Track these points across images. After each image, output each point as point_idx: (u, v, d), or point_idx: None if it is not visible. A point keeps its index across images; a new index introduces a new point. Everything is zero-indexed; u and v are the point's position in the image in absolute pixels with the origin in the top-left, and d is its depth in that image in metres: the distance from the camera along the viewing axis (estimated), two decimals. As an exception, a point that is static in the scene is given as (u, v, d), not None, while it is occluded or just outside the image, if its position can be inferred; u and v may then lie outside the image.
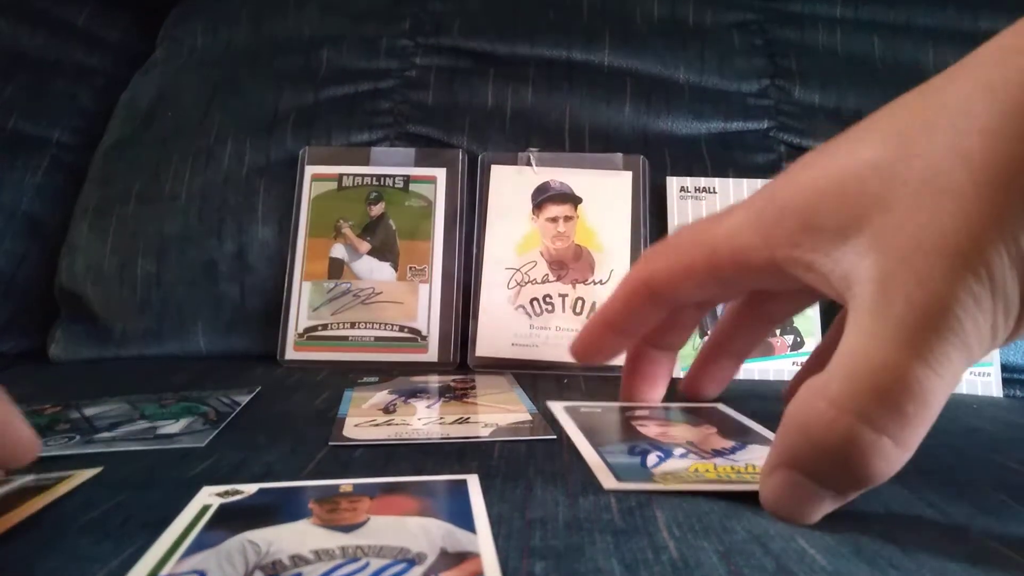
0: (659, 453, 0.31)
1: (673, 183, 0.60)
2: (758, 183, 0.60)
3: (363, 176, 0.62)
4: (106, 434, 0.36)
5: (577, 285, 0.57)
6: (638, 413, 0.38)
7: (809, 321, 0.56)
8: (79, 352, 0.62)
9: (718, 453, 0.32)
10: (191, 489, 0.27)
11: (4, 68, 0.74)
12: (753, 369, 0.55)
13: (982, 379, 0.56)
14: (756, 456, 0.31)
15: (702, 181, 0.60)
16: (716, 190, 0.59)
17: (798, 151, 0.65)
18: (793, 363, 0.56)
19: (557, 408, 0.39)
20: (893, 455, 0.23)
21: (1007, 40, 0.24)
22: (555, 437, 0.34)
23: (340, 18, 0.72)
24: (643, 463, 0.30)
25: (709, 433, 0.35)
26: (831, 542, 0.23)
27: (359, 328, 0.57)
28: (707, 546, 0.23)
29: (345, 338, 0.57)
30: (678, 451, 0.32)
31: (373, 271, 0.59)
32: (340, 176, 0.62)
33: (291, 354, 0.57)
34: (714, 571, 0.21)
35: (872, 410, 0.22)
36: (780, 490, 0.24)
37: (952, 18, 0.70)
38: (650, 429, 0.35)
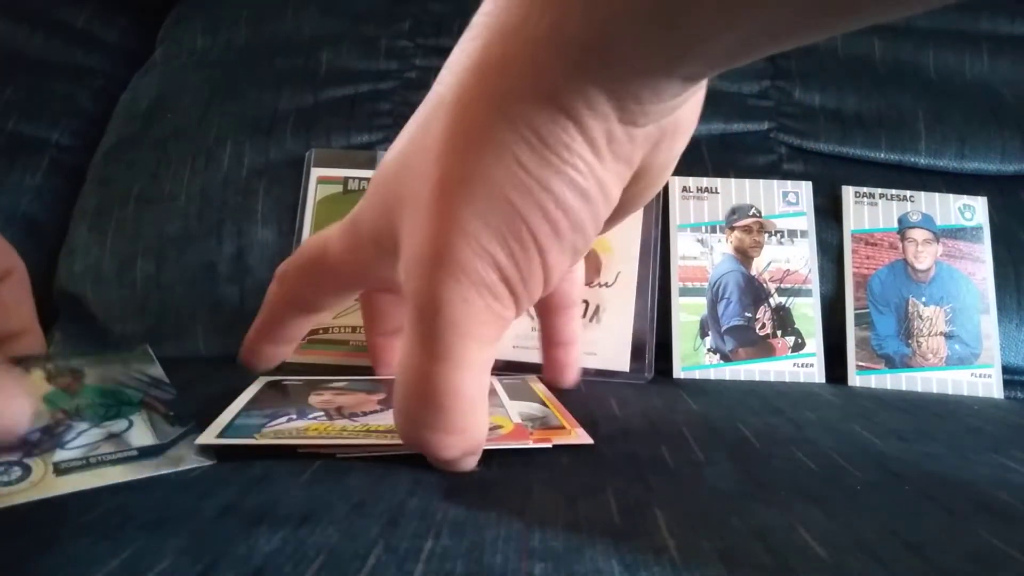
0: (292, 415, 0.34)
1: (675, 183, 0.60)
2: (759, 183, 0.60)
3: (369, 179, 0.61)
4: (63, 453, 0.29)
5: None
6: (332, 385, 0.41)
7: (810, 322, 0.56)
8: (79, 354, 0.62)
9: (351, 415, 0.34)
10: (189, 490, 0.27)
11: (3, 69, 0.73)
12: (754, 370, 0.55)
13: (983, 381, 0.56)
14: (387, 418, 0.33)
15: (704, 181, 0.60)
16: (718, 190, 0.59)
17: (798, 152, 0.65)
18: (794, 364, 0.55)
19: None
20: (452, 441, 0.26)
21: (464, 44, 0.26)
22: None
23: (340, 19, 0.72)
24: (263, 425, 0.33)
25: (370, 399, 0.37)
26: (832, 536, 0.23)
27: (360, 332, 0.57)
28: (707, 545, 0.23)
29: (346, 342, 0.57)
30: (313, 414, 0.34)
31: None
32: (346, 179, 0.62)
33: (292, 357, 0.56)
34: (714, 571, 0.21)
35: (417, 412, 0.26)
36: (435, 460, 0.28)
37: (952, 19, 0.70)
38: (321, 397, 0.38)
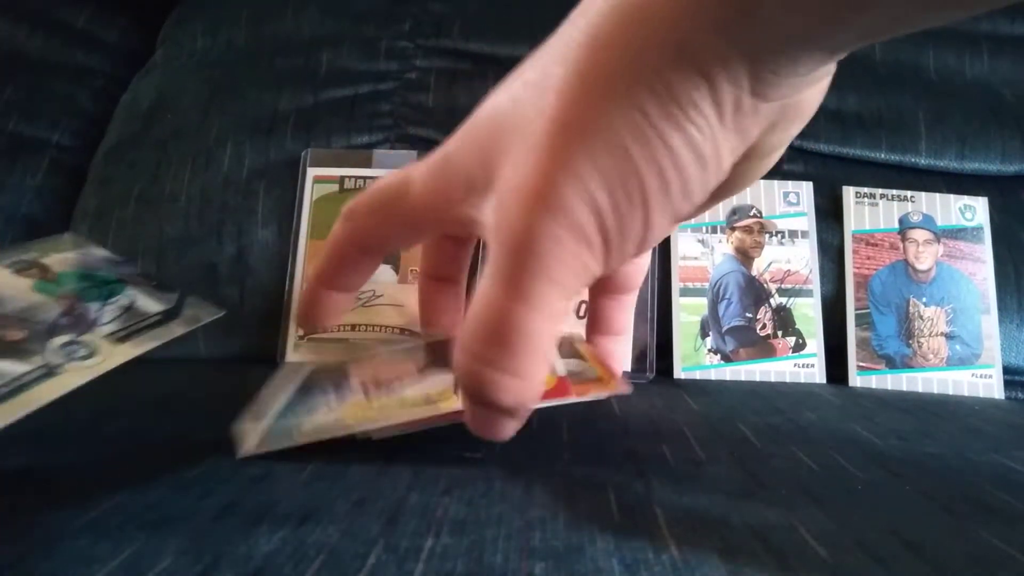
0: (330, 397, 0.33)
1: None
2: (760, 184, 0.60)
3: (365, 178, 0.62)
4: (105, 328, 0.31)
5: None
6: (372, 355, 0.40)
7: (810, 322, 0.56)
8: (79, 354, 0.62)
9: (388, 388, 0.33)
10: (190, 489, 0.27)
11: (3, 69, 0.74)
12: (755, 370, 0.55)
13: (984, 381, 0.56)
14: (424, 387, 0.33)
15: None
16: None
17: (799, 152, 0.65)
18: (794, 364, 0.55)
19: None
20: (512, 385, 0.24)
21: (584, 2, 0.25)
22: None
23: (340, 20, 0.72)
24: (300, 422, 0.32)
25: (409, 367, 0.36)
26: (832, 536, 0.23)
27: (360, 331, 0.57)
28: (707, 544, 0.23)
29: (345, 341, 0.57)
30: (350, 394, 0.33)
31: (375, 273, 0.59)
32: (342, 178, 0.62)
33: (291, 356, 0.57)
34: (715, 570, 0.21)
35: (484, 349, 0.24)
36: (469, 416, 0.27)
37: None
38: (360, 371, 0.36)
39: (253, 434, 0.31)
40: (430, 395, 0.31)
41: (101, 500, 0.27)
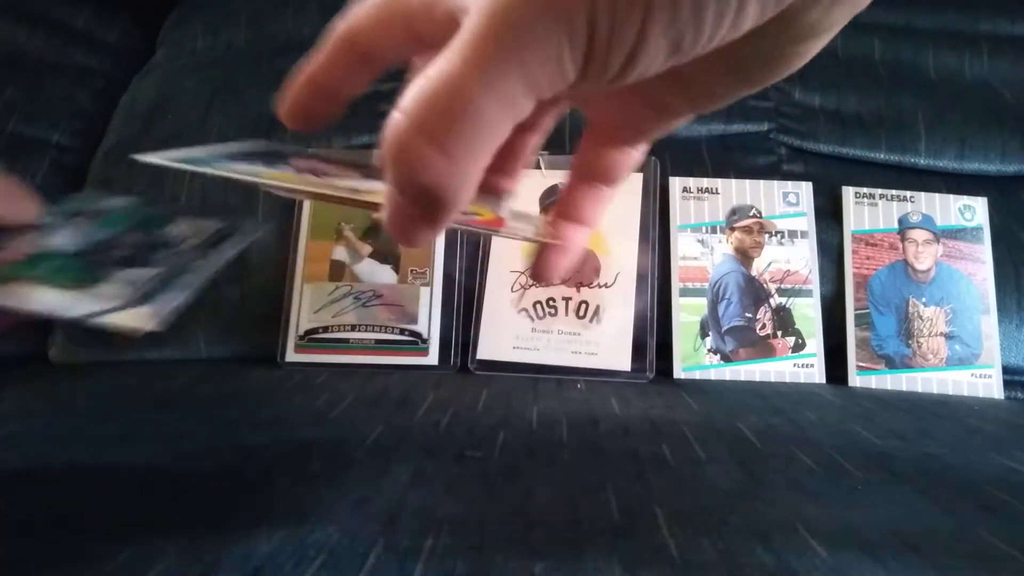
0: (259, 164, 0.30)
1: (676, 183, 0.60)
2: (760, 184, 0.60)
3: (363, 178, 0.62)
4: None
5: (582, 288, 0.56)
6: (325, 154, 0.36)
7: (810, 322, 0.56)
8: (79, 355, 0.62)
9: (319, 174, 0.32)
10: (190, 489, 0.27)
11: (3, 70, 0.74)
12: (754, 370, 0.55)
13: (983, 381, 0.56)
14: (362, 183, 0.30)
15: (704, 182, 0.60)
16: (718, 190, 0.59)
17: (798, 153, 0.65)
18: (794, 364, 0.55)
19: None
20: (440, 164, 0.22)
21: None
22: None
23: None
24: (222, 161, 0.29)
25: (353, 172, 0.34)
26: (832, 535, 0.23)
27: (360, 331, 0.57)
28: (707, 544, 0.23)
29: (346, 340, 0.57)
30: (282, 167, 0.31)
31: (374, 274, 0.59)
32: (341, 178, 0.62)
33: (291, 356, 0.57)
34: (714, 570, 0.21)
35: (422, 114, 0.21)
36: (387, 203, 0.24)
37: (952, 20, 0.70)
38: (303, 161, 0.33)
39: (161, 157, 0.29)
40: (358, 188, 0.30)
41: (101, 500, 0.27)
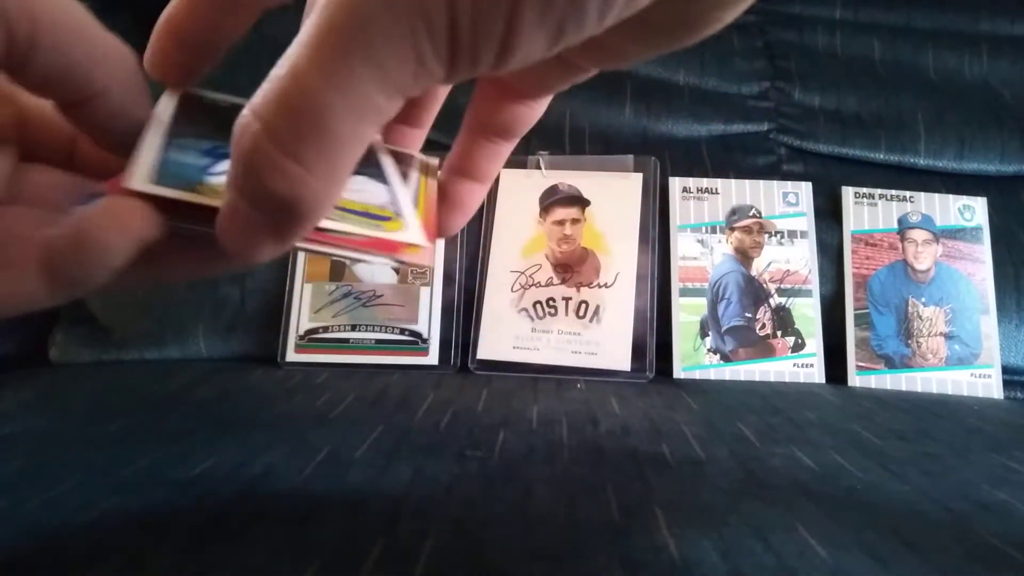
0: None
1: (675, 183, 0.60)
2: (759, 184, 0.60)
3: (363, 178, 0.62)
4: None
5: (582, 288, 0.56)
6: None
7: (810, 322, 0.56)
8: (79, 355, 0.62)
9: None
10: (190, 489, 0.27)
11: (5, 71, 0.73)
12: (754, 370, 0.55)
13: (983, 381, 0.56)
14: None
15: (704, 182, 0.60)
16: (718, 191, 0.59)
17: (798, 153, 0.65)
18: (794, 364, 0.55)
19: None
20: (291, 170, 0.19)
21: None
22: None
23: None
24: (204, 169, 0.24)
25: None
26: (832, 535, 0.23)
27: (360, 331, 0.57)
28: (707, 543, 0.23)
29: (346, 340, 0.57)
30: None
31: (374, 274, 0.59)
32: (341, 178, 0.62)
33: (292, 356, 0.57)
34: (714, 570, 0.21)
35: (272, 117, 0.19)
36: (224, 217, 0.21)
37: (951, 20, 0.70)
38: None
39: (142, 163, 0.26)
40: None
41: (101, 500, 0.27)
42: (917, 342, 0.56)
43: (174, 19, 0.26)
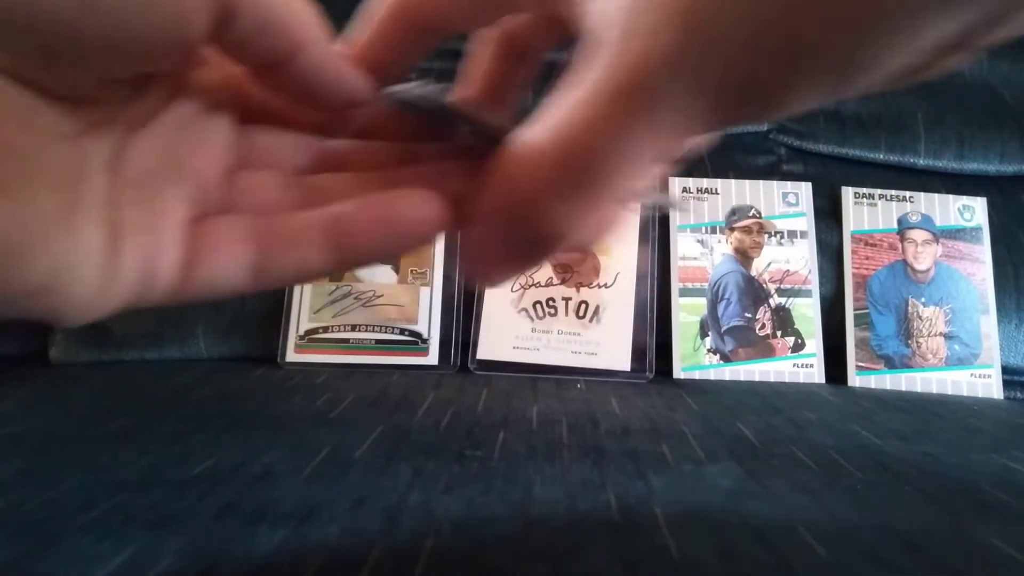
0: None
1: (675, 183, 0.60)
2: (759, 184, 0.60)
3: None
4: None
5: (582, 288, 0.57)
6: None
7: (809, 322, 0.56)
8: (79, 355, 0.62)
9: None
10: (190, 489, 0.27)
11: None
12: (754, 370, 0.55)
13: (983, 381, 0.56)
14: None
15: (704, 182, 0.60)
16: (718, 191, 0.59)
17: (798, 153, 0.65)
18: (794, 364, 0.55)
19: None
20: (560, 214, 0.20)
21: None
22: None
23: (340, 21, 0.72)
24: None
25: None
26: (832, 536, 0.23)
27: (360, 331, 0.57)
28: (707, 543, 0.23)
29: (346, 340, 0.57)
30: None
31: (374, 274, 0.59)
32: (340, 178, 0.62)
33: (292, 356, 0.57)
34: (714, 569, 0.21)
35: (548, 167, 0.20)
36: (472, 243, 0.22)
37: (951, 20, 0.70)
38: None
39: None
40: None
41: (101, 500, 0.27)
42: (917, 342, 0.56)
43: (364, 53, 0.26)
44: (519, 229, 0.21)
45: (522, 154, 0.20)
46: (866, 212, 0.60)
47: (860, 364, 0.56)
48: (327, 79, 0.23)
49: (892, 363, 0.56)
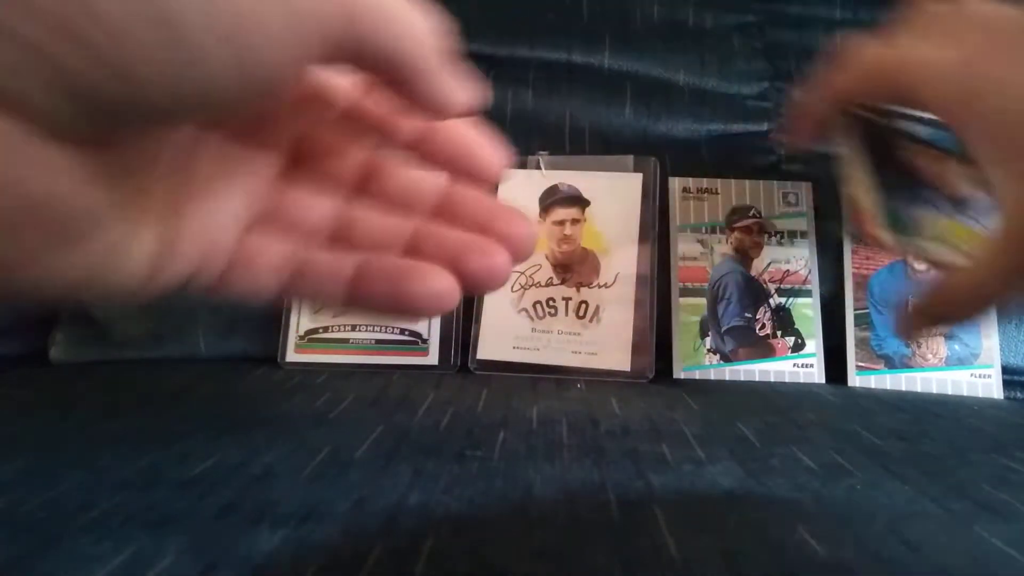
0: (935, 206, 0.34)
1: (675, 183, 0.60)
2: (759, 184, 0.60)
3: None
4: None
5: (581, 288, 0.56)
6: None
7: (809, 322, 0.56)
8: (79, 355, 0.62)
9: (965, 210, 0.34)
10: (190, 489, 0.27)
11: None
12: (754, 370, 0.55)
13: (983, 381, 0.56)
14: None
15: (704, 182, 0.60)
16: (718, 191, 0.59)
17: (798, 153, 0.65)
18: (794, 364, 0.55)
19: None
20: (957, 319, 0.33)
21: None
22: None
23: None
24: (903, 209, 0.33)
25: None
26: (832, 535, 0.23)
27: (360, 331, 0.57)
28: (707, 543, 0.23)
29: (346, 340, 0.57)
30: (948, 208, 0.34)
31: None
32: (340, 178, 0.62)
33: (292, 356, 0.57)
34: (714, 569, 0.21)
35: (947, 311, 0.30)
36: (909, 319, 0.34)
37: (951, 20, 0.70)
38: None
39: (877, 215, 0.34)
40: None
41: (101, 500, 0.27)
42: (917, 342, 0.56)
43: (840, 89, 0.38)
44: (934, 325, 0.33)
45: (933, 304, 0.32)
46: (866, 212, 0.60)
47: (860, 364, 0.56)
48: (443, 94, 0.24)
49: (892, 363, 0.56)
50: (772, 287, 0.57)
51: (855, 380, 0.55)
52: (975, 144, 0.29)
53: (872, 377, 0.55)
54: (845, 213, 0.37)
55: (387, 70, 0.21)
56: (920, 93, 0.32)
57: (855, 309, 0.57)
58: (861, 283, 0.57)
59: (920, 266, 0.56)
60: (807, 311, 0.57)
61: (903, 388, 0.55)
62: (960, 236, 0.33)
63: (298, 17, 0.17)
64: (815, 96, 0.38)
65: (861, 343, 0.56)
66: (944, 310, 0.31)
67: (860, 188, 0.34)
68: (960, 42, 0.31)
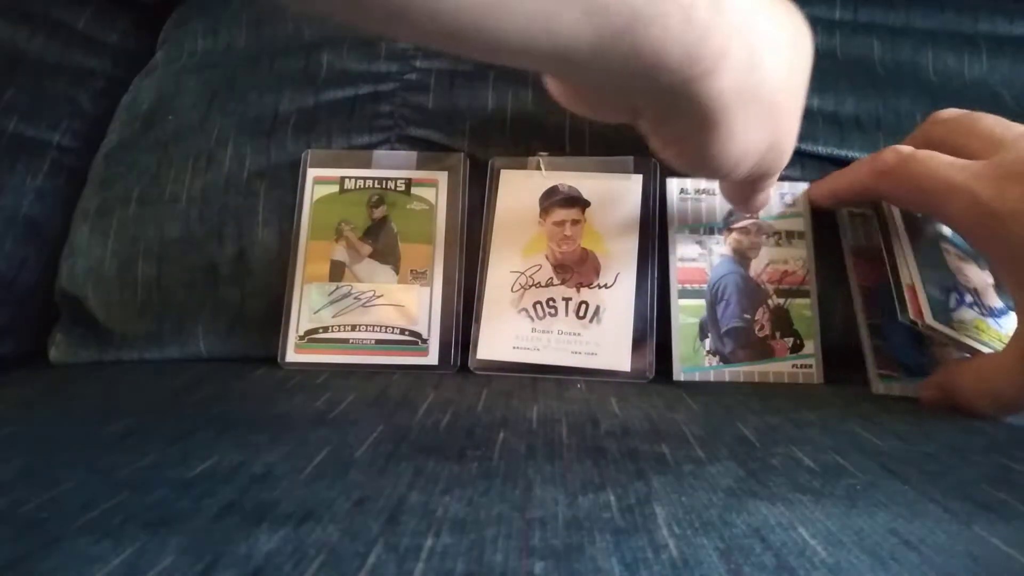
0: (959, 295, 0.36)
1: (673, 184, 0.60)
2: (758, 185, 0.60)
3: (365, 179, 0.62)
4: None
5: (582, 289, 0.57)
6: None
7: (807, 323, 0.56)
8: (79, 355, 0.62)
9: (992, 312, 0.37)
10: (190, 489, 0.27)
11: (4, 71, 0.74)
12: (754, 371, 0.55)
13: (983, 381, 0.55)
14: (1009, 327, 0.37)
15: (702, 183, 0.60)
16: (716, 192, 0.59)
17: (796, 154, 0.64)
18: (793, 365, 0.55)
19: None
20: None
21: None
22: None
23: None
24: (949, 304, 0.35)
25: (989, 284, 0.38)
26: (832, 535, 0.23)
27: (360, 331, 0.57)
28: (707, 543, 0.23)
29: (346, 340, 0.57)
30: (968, 298, 0.36)
31: (374, 274, 0.59)
32: (342, 179, 0.62)
33: (292, 356, 0.57)
34: (714, 569, 0.21)
35: (986, 403, 0.37)
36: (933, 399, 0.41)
37: (951, 20, 0.70)
38: (955, 262, 0.38)
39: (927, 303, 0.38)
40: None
41: (101, 500, 0.27)
42: (931, 350, 0.55)
43: (839, 194, 0.54)
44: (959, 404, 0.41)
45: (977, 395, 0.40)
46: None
47: (882, 372, 0.54)
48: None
49: (911, 371, 0.54)
50: (771, 288, 0.57)
51: (879, 388, 0.53)
52: (997, 265, 0.32)
53: (896, 384, 0.54)
54: (899, 300, 0.42)
55: None
56: (944, 210, 0.35)
57: (867, 320, 0.55)
58: (867, 294, 0.56)
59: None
60: (805, 311, 0.57)
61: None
62: (986, 334, 0.36)
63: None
64: (837, 195, 0.48)
65: (876, 351, 0.55)
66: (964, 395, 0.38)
67: (914, 276, 0.38)
68: (982, 165, 0.35)
